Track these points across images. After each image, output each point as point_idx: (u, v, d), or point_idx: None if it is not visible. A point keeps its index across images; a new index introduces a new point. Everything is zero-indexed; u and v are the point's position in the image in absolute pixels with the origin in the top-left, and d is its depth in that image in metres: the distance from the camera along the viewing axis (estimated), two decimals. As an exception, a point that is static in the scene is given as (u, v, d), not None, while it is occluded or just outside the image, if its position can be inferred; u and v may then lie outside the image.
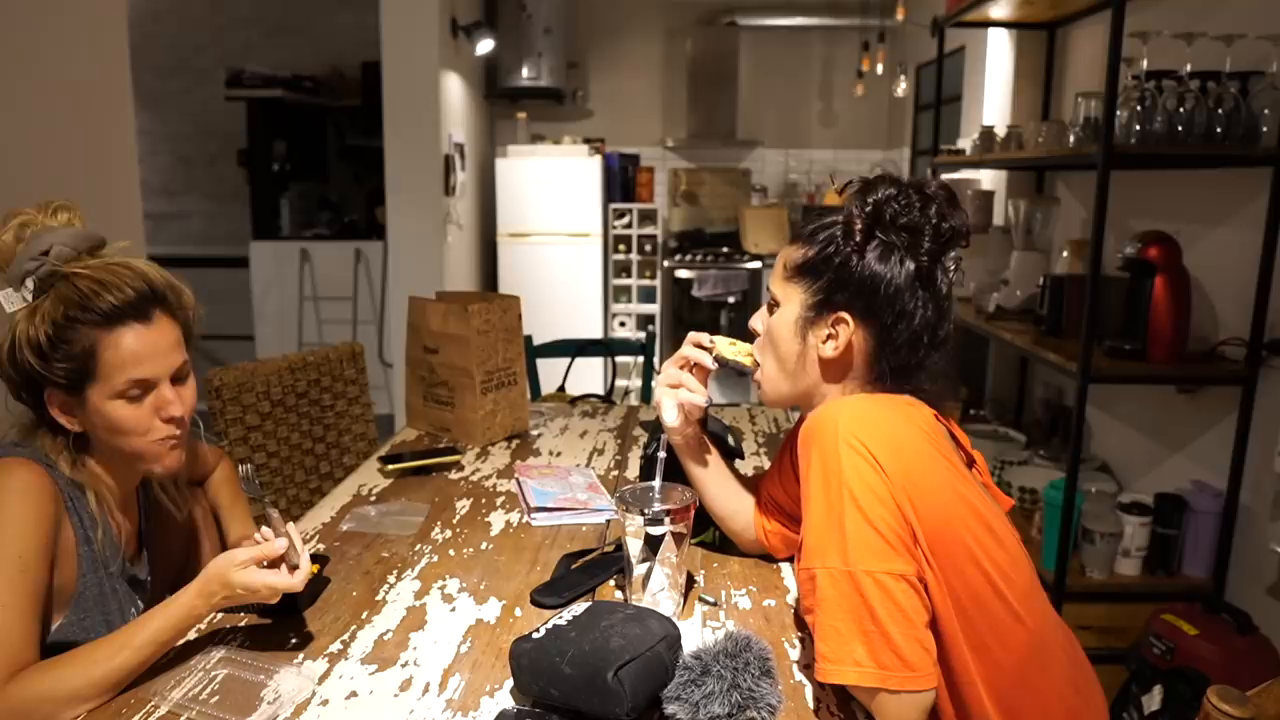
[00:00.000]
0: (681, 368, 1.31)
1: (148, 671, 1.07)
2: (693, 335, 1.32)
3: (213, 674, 1.07)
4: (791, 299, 1.16)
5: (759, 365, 1.24)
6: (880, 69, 5.09)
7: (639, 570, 1.20)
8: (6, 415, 1.20)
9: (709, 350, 1.30)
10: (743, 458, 1.58)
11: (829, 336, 1.13)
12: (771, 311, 1.20)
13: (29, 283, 1.13)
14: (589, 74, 5.86)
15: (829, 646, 0.97)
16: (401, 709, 1.01)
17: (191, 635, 1.17)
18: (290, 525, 1.10)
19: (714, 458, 1.37)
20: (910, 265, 1.09)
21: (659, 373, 1.36)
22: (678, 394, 1.30)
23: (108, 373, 1.13)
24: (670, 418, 1.31)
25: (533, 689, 1.00)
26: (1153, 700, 1.97)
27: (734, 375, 1.37)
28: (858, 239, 1.10)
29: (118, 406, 1.15)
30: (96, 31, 2.07)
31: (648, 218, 5.62)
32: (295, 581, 1.08)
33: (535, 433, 2.14)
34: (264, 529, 1.10)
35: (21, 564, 1.06)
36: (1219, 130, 2.13)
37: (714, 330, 1.34)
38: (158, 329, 1.17)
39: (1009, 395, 3.64)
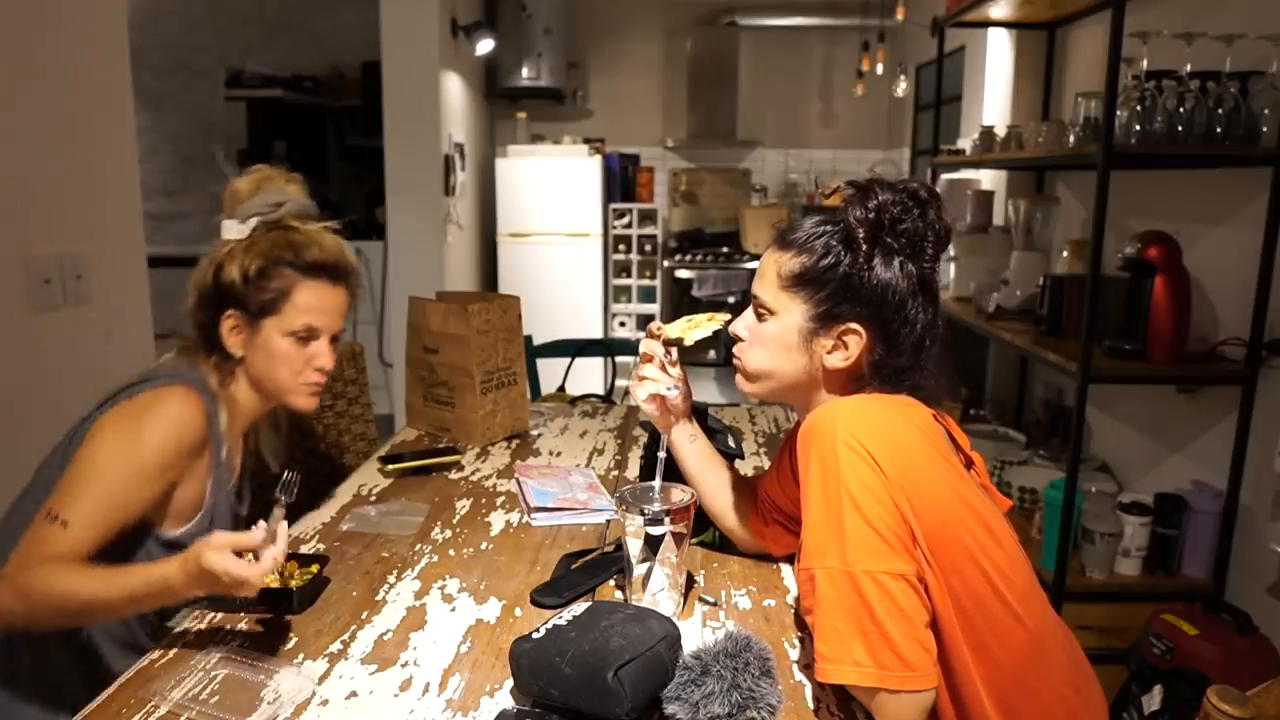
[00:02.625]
0: (643, 362, 1.31)
1: (148, 672, 1.07)
2: (648, 327, 1.32)
3: (213, 674, 1.07)
4: (790, 309, 1.13)
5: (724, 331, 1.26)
6: (880, 69, 5.09)
7: (639, 570, 1.20)
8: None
9: (657, 336, 1.30)
10: (743, 458, 1.58)
11: (836, 347, 1.12)
12: (761, 319, 1.17)
13: (252, 222, 1.34)
14: (589, 74, 5.86)
15: (828, 646, 0.97)
16: (401, 709, 1.01)
17: (192, 635, 1.17)
18: (282, 526, 1.09)
19: (710, 454, 1.37)
20: (913, 271, 1.09)
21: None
22: (643, 386, 1.29)
23: (291, 312, 1.33)
24: (648, 408, 1.31)
25: (533, 689, 1.00)
26: (1153, 700, 1.96)
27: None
28: (864, 248, 1.09)
29: (285, 343, 1.34)
30: (96, 31, 2.06)
31: (648, 218, 5.63)
32: (250, 572, 1.04)
33: (535, 433, 2.14)
34: (261, 521, 1.10)
35: (137, 484, 1.22)
36: (1219, 130, 2.13)
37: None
38: (339, 294, 1.38)
39: (1009, 395, 3.64)
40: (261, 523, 1.10)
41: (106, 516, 1.19)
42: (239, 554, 1.06)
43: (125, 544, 1.24)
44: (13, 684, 1.26)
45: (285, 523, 1.11)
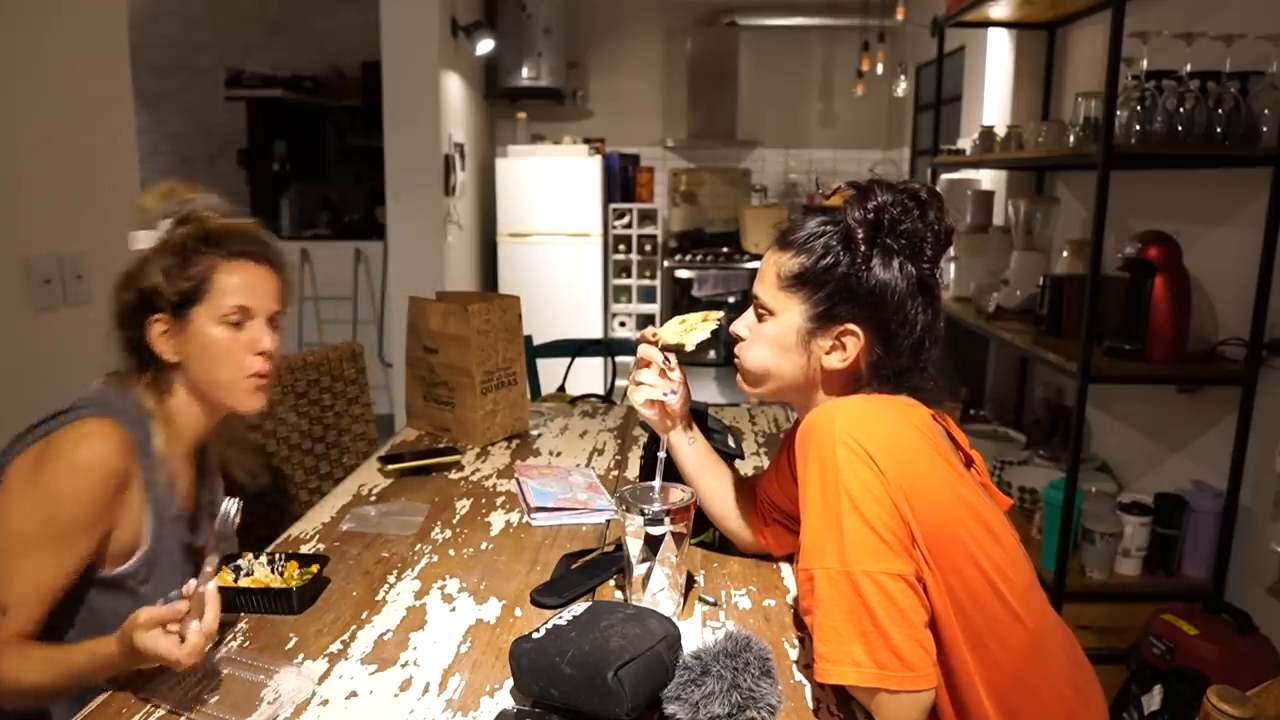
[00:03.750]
0: (640, 367, 1.31)
1: (148, 672, 1.06)
2: (642, 333, 1.31)
3: (213, 674, 1.07)
4: (789, 309, 1.13)
5: (718, 332, 1.27)
6: (880, 69, 5.09)
7: (639, 570, 1.20)
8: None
9: (652, 342, 1.29)
10: (743, 458, 1.58)
11: (834, 348, 1.12)
12: (761, 318, 1.17)
13: (166, 223, 1.27)
14: (589, 74, 5.86)
15: (828, 647, 0.97)
16: (401, 709, 1.01)
17: (191, 635, 1.17)
18: (211, 588, 1.02)
19: (709, 455, 1.37)
20: (912, 272, 1.09)
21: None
22: (640, 391, 1.29)
23: (217, 297, 1.25)
24: (646, 412, 1.30)
25: (533, 689, 1.00)
26: (1153, 700, 1.96)
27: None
28: (862, 249, 1.09)
29: (219, 331, 1.25)
30: (96, 31, 2.07)
31: (648, 218, 5.62)
32: (179, 653, 0.98)
33: (535, 433, 2.14)
34: (192, 580, 1.02)
35: (65, 548, 1.14)
36: (1219, 130, 2.13)
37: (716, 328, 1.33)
38: (265, 272, 1.30)
39: (1009, 395, 3.64)
40: (191, 582, 1.01)
41: (43, 590, 1.12)
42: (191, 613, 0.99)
43: (67, 597, 1.17)
44: None
45: (215, 584, 1.03)
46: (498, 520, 1.59)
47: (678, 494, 1.24)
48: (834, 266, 1.10)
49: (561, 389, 2.94)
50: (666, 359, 1.29)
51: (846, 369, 1.12)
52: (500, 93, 5.49)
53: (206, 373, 1.26)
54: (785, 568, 1.38)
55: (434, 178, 4.40)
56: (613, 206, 5.58)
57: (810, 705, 1.03)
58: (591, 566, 1.36)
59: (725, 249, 5.60)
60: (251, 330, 1.28)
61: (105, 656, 1.04)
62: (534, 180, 5.30)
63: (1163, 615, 2.05)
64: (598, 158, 5.36)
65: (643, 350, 1.30)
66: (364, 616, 1.23)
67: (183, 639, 0.99)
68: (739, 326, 1.21)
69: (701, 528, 1.42)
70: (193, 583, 1.01)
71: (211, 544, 1.06)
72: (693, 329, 1.29)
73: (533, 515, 1.58)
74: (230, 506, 1.07)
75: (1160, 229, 2.26)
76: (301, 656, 1.12)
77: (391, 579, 1.34)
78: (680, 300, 5.55)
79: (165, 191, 1.31)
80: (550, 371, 3.02)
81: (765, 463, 1.91)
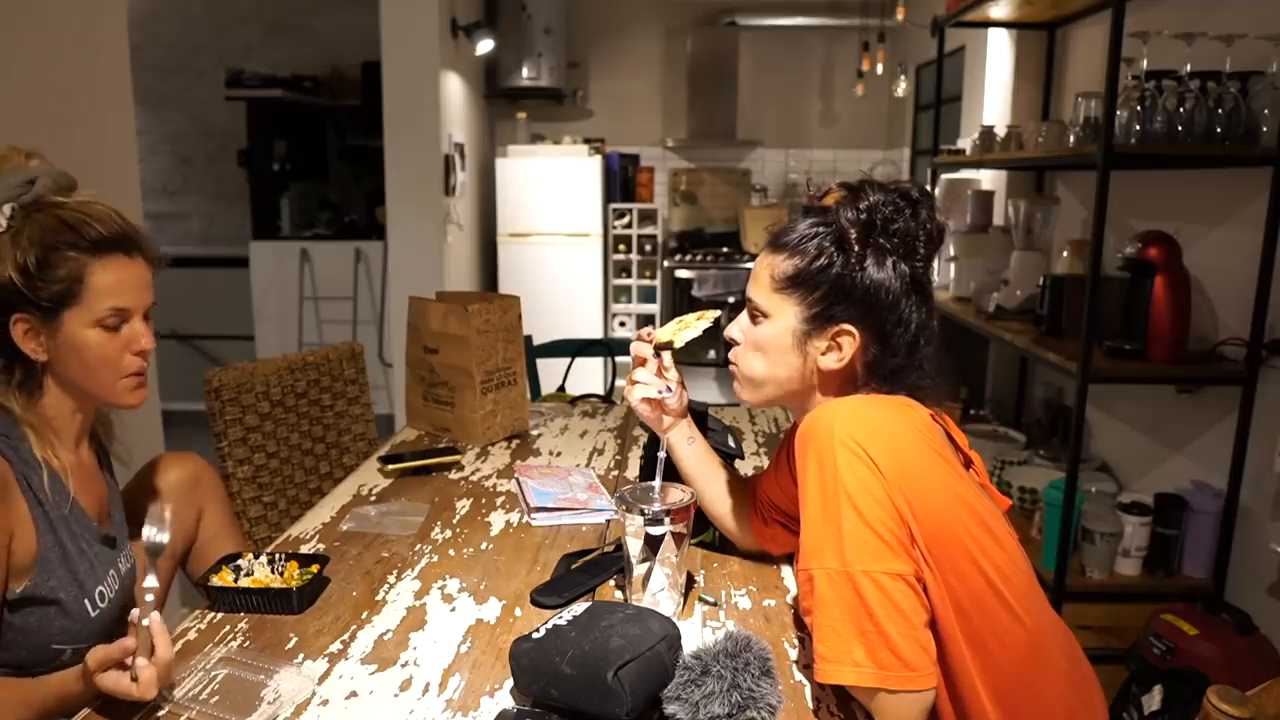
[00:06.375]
0: (635, 365, 1.31)
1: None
2: (638, 333, 1.32)
3: (213, 674, 1.07)
4: (784, 311, 1.14)
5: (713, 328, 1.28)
6: (880, 69, 5.09)
7: (639, 570, 1.20)
8: None
9: (647, 341, 1.29)
10: (742, 458, 1.58)
11: (830, 348, 1.12)
12: (756, 321, 1.17)
13: (7, 209, 1.15)
14: (589, 74, 5.86)
15: (827, 647, 0.97)
16: (401, 709, 1.01)
17: (192, 635, 1.17)
18: (154, 619, 0.99)
19: (708, 456, 1.37)
20: (905, 271, 1.09)
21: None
22: (636, 389, 1.29)
23: (92, 299, 1.16)
24: (642, 409, 1.30)
25: (533, 689, 1.00)
26: (1153, 700, 1.96)
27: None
28: (856, 249, 1.09)
29: (94, 334, 1.17)
30: (96, 31, 2.07)
31: (648, 218, 5.63)
32: (138, 691, 0.96)
33: (535, 433, 2.14)
34: (135, 610, 0.99)
35: None
36: (1219, 130, 2.13)
37: (715, 327, 1.34)
38: (137, 265, 1.21)
39: (1009, 395, 3.64)
40: (134, 612, 0.98)
41: None
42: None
43: None
44: None
45: (158, 614, 0.99)
46: (498, 520, 1.59)
47: (678, 494, 1.24)
48: (828, 267, 1.10)
49: (561, 389, 2.94)
50: (659, 357, 1.29)
51: (843, 369, 1.13)
52: (500, 93, 5.49)
53: (81, 375, 1.19)
54: (785, 568, 1.38)
55: (434, 178, 4.40)
56: (613, 206, 5.59)
57: (810, 705, 1.03)
58: (591, 566, 1.36)
59: (725, 249, 5.61)
60: (129, 330, 1.21)
61: (74, 695, 1.04)
62: (534, 180, 5.30)
63: (1163, 615, 2.05)
64: (598, 158, 5.37)
65: (636, 348, 1.30)
66: (364, 616, 1.23)
67: (135, 677, 0.96)
68: (733, 330, 1.21)
69: (701, 528, 1.42)
70: (135, 613, 0.98)
71: (142, 571, 1.00)
72: (686, 327, 1.30)
73: (533, 515, 1.58)
74: (154, 534, 1.04)
75: (1160, 229, 2.26)
76: (301, 656, 1.12)
77: (391, 579, 1.34)
78: (680, 300, 5.55)
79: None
80: (550, 371, 3.02)
81: (765, 463, 1.91)
